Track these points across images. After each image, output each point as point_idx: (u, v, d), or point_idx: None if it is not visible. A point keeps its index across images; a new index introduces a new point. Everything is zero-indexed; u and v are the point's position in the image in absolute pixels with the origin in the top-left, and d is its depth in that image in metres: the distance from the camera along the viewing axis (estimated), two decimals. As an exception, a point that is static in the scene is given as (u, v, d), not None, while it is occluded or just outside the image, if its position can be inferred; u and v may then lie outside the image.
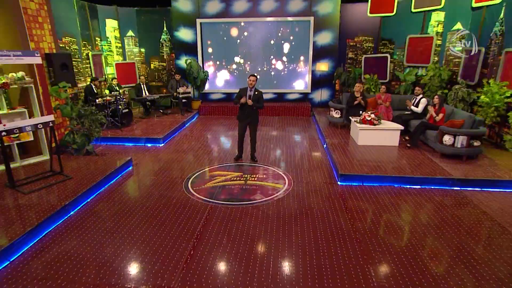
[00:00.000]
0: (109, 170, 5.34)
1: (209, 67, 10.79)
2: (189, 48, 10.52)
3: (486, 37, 6.96)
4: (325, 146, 7.04)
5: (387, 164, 5.62)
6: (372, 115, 6.66)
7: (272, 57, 10.47)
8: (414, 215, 4.26)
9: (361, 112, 7.25)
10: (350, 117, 7.37)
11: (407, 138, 6.59)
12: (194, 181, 5.35)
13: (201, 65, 10.59)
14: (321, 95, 10.55)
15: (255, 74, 5.57)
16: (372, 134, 6.60)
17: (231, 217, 4.24)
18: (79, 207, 4.44)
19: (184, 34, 10.47)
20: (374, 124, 6.60)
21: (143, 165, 6.09)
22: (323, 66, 10.01)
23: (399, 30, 9.19)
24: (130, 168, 5.91)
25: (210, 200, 4.70)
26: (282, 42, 10.31)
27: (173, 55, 10.88)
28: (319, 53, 10.17)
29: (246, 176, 5.52)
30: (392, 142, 6.59)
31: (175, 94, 9.79)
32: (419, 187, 5.02)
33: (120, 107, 8.12)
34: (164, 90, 10.93)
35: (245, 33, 10.38)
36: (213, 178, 5.44)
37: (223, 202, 4.63)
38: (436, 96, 6.33)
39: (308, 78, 10.45)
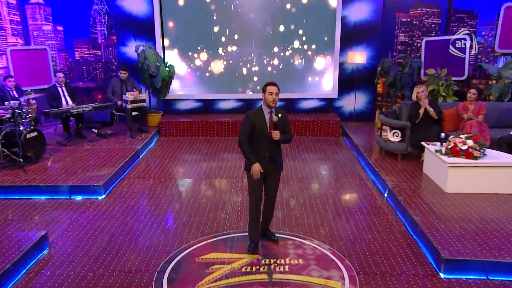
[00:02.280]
0: None
1: (175, 60, 9.95)
2: (141, 28, 9.80)
3: None
4: (386, 194, 6.12)
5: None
6: (470, 141, 5.75)
7: (276, 43, 9.82)
8: None
9: (443, 134, 6.36)
10: (424, 144, 6.46)
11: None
12: (174, 277, 4.17)
13: (162, 56, 9.78)
14: (355, 102, 9.91)
15: (274, 82, 4.45)
16: (472, 174, 5.72)
17: None
18: None
19: (133, 4, 9.69)
20: (475, 158, 5.68)
21: (69, 242, 4.87)
22: (359, 57, 9.34)
23: (485, -3, 8.74)
24: (45, 251, 4.66)
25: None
26: (292, 20, 9.72)
27: (114, 38, 10.23)
28: (352, 36, 9.71)
29: (267, 261, 4.42)
30: (508, 188, 5.73)
31: (119, 103, 8.75)
32: None
33: (21, 128, 6.82)
34: (100, 96, 10.12)
35: (234, 5, 9.72)
36: (209, 269, 4.29)
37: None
38: None
39: (334, 75, 9.84)
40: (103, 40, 10.55)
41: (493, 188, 5.72)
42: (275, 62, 9.85)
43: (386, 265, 4.36)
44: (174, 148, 8.66)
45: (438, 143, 6.35)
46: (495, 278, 4.10)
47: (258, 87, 9.90)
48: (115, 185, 6.58)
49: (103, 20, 10.41)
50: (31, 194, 6.03)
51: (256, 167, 4.35)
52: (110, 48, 10.48)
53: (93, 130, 8.80)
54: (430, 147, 6.28)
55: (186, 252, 4.63)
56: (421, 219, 4.96)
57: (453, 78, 8.75)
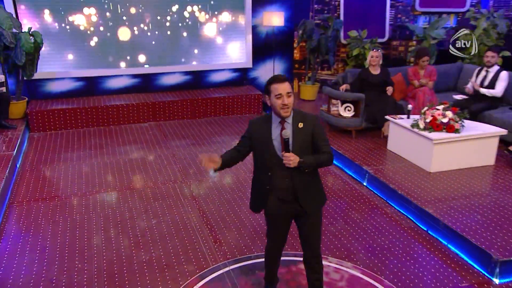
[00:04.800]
0: None
1: (33, 23, 7.83)
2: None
3: None
4: (365, 182, 5.66)
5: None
6: (449, 113, 5.49)
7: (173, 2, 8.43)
8: None
9: (410, 106, 6.16)
10: (390, 118, 6.08)
11: (511, 149, 5.71)
12: None
13: (17, 19, 7.60)
14: (273, 71, 9.15)
15: (283, 76, 2.97)
16: (455, 149, 5.50)
17: None
18: None
19: None
20: (457, 131, 5.45)
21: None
22: (276, 18, 8.49)
23: None
24: None
25: None
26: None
27: None
28: None
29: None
30: (486, 160, 5.68)
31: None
32: None
33: None
34: None
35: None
36: None
37: None
38: None
39: (246, 41, 8.96)
40: None
41: (471, 162, 5.61)
42: (173, 25, 8.43)
43: (426, 275, 3.79)
44: (58, 148, 6.81)
45: (404, 116, 6.07)
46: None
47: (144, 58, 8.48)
48: (1, 217, 4.72)
49: None
50: None
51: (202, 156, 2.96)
52: None
53: None
54: (400, 122, 5.90)
55: (176, 312, 3.40)
56: (434, 211, 4.52)
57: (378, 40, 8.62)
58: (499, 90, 6.47)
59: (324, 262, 3.92)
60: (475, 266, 3.94)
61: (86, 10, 7.88)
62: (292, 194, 2.96)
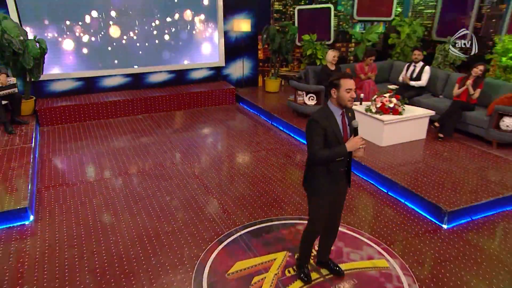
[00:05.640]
0: None
1: (35, 31, 7.09)
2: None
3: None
4: None
5: (462, 173, 4.81)
6: (394, 99, 5.66)
7: (158, 12, 7.86)
8: None
9: (362, 95, 6.26)
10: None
11: (436, 125, 5.99)
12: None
13: (23, 28, 6.82)
14: (243, 69, 8.84)
15: (351, 75, 2.86)
16: (399, 127, 5.69)
17: None
18: None
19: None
20: (400, 113, 5.65)
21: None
22: (245, 25, 8.24)
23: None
24: None
25: None
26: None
27: None
28: (233, 4, 8.40)
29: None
30: (419, 135, 5.92)
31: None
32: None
33: None
34: None
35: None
36: (253, 284, 3.16)
37: None
38: (481, 66, 5.87)
39: (220, 44, 8.55)
40: None
41: (409, 137, 5.83)
42: (158, 32, 7.89)
43: (394, 226, 3.96)
44: (68, 139, 6.34)
45: (357, 103, 6.17)
46: (476, 218, 4.13)
47: (143, 60, 7.98)
48: (34, 201, 4.38)
49: None
50: None
51: (352, 142, 2.72)
52: None
53: None
54: (355, 107, 5.97)
55: (207, 268, 3.33)
56: (391, 176, 4.67)
57: (325, 42, 8.61)
58: (424, 81, 6.74)
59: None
60: (428, 216, 4.15)
61: (81, 20, 7.25)
62: (347, 173, 2.95)
